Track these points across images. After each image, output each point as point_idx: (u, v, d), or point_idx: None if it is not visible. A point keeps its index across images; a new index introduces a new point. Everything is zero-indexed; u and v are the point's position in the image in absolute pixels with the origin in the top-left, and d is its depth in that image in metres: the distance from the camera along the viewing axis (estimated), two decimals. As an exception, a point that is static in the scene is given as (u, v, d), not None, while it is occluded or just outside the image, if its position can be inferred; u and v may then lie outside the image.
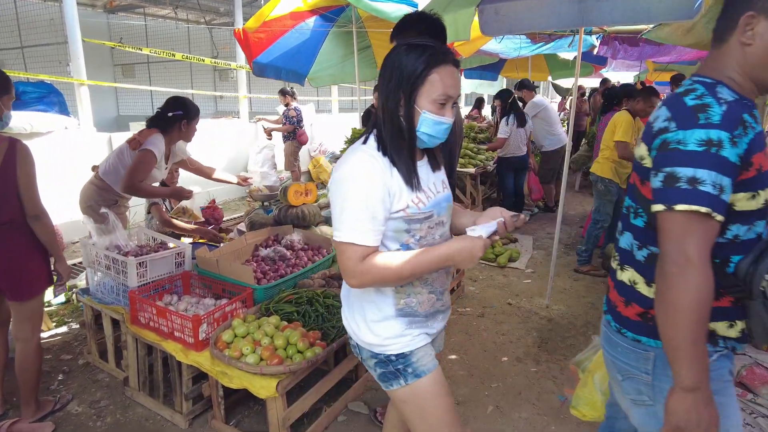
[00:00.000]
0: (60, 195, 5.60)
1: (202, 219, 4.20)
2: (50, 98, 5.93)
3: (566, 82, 13.67)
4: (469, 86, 11.43)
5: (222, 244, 3.36)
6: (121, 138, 6.33)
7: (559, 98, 16.85)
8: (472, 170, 5.08)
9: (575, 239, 5.98)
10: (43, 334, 3.61)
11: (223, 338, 2.36)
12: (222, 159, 7.80)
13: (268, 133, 8.15)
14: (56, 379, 3.05)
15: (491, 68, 9.46)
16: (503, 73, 10.01)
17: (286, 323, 2.47)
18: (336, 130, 9.91)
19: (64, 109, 6.05)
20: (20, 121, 5.34)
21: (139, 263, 2.75)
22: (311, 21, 6.08)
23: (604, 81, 9.50)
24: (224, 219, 5.92)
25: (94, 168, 3.38)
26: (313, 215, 3.57)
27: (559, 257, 5.28)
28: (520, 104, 8.96)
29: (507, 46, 5.30)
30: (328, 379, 2.56)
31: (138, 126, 7.64)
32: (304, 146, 8.45)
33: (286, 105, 8.07)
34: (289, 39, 6.14)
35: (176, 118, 3.27)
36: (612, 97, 5.53)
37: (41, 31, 7.96)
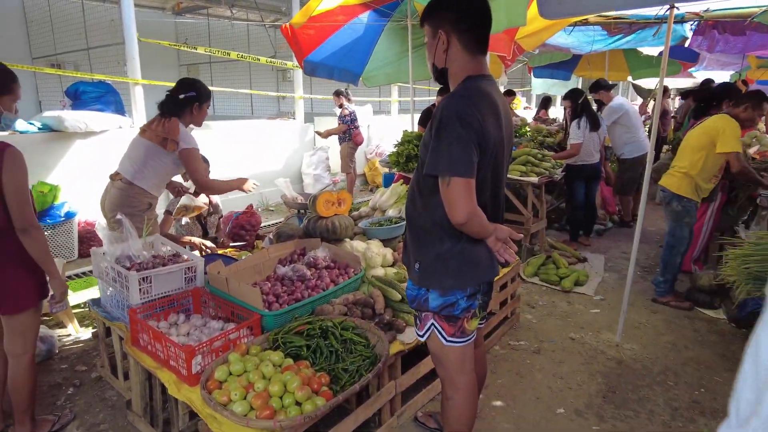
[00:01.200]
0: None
1: (204, 208, 3.87)
2: (107, 98, 5.98)
3: (648, 83, 12.44)
4: (540, 86, 10.66)
5: (244, 257, 3.06)
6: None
7: (640, 100, 15.55)
8: (535, 179, 4.49)
9: (655, 260, 5.21)
10: (66, 339, 3.50)
11: (216, 376, 2.02)
12: (275, 161, 7.65)
13: (325, 135, 7.91)
14: (65, 393, 2.87)
15: (563, 66, 8.72)
16: (577, 72, 9.23)
17: (291, 361, 2.10)
18: (394, 132, 9.52)
19: (120, 109, 6.10)
20: (75, 120, 5.39)
21: (143, 278, 2.48)
22: (365, 16, 5.73)
23: (707, 82, 8.42)
24: (266, 224, 5.71)
25: (116, 175, 3.18)
26: (344, 228, 3.19)
27: (634, 282, 4.58)
28: (597, 106, 8.21)
29: (579, 39, 4.66)
30: (346, 422, 2.18)
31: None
32: (360, 148, 8.15)
33: (340, 106, 7.80)
34: (342, 36, 5.82)
35: (188, 100, 3.02)
36: (709, 98, 4.74)
37: (104, 32, 8.23)
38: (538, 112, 10.10)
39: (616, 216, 6.45)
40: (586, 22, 3.98)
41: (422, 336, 1.98)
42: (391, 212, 3.94)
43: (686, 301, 4.03)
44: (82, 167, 5.45)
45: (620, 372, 3.11)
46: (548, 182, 5.02)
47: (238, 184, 3.28)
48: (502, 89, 9.20)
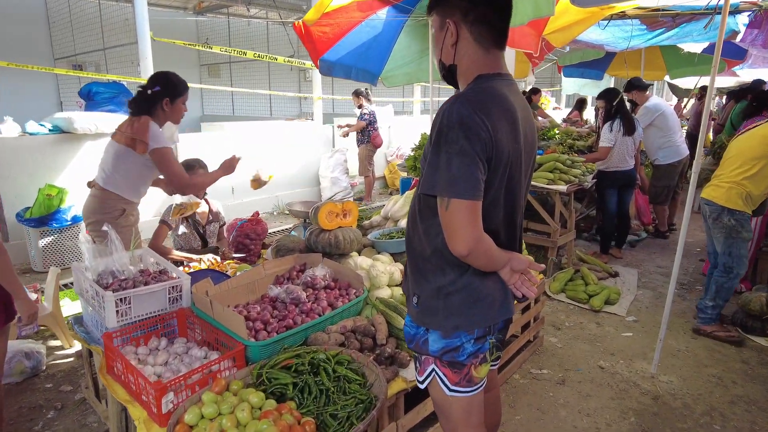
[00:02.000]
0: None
1: (198, 204, 3.58)
2: (120, 98, 5.86)
3: (686, 82, 11.75)
4: (572, 86, 10.15)
5: (238, 274, 2.81)
6: (186, 140, 6.14)
7: (675, 100, 14.83)
8: (563, 187, 4.12)
9: (694, 276, 4.78)
10: (58, 352, 3.32)
11: (186, 419, 1.77)
12: (293, 163, 7.43)
13: (346, 134, 7.66)
14: (45, 417, 2.67)
15: (595, 65, 8.26)
16: (610, 72, 8.73)
17: (273, 403, 1.83)
18: (416, 133, 9.21)
19: (133, 109, 5.97)
20: (86, 121, 5.27)
21: (120, 299, 2.25)
22: (383, 13, 5.44)
23: (761, 83, 7.82)
24: (278, 230, 5.47)
25: (92, 183, 2.99)
26: (349, 242, 2.91)
27: (672, 302, 4.17)
28: (631, 107, 7.73)
29: (614, 34, 4.26)
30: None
31: (209, 127, 7.52)
32: (379, 150, 7.87)
33: (359, 106, 7.55)
34: (360, 34, 5.55)
35: (156, 96, 2.78)
36: (765, 99, 4.29)
37: (120, 32, 8.17)
38: (570, 114, 9.63)
39: (651, 226, 6.00)
40: (623, 15, 3.60)
41: (422, 382, 1.68)
42: (404, 222, 3.64)
43: (734, 330, 3.58)
44: (91, 170, 5.31)
45: (656, 410, 2.75)
46: (577, 190, 4.64)
47: (223, 170, 3.06)
48: (528, 88, 8.83)
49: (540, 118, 7.07)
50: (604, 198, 4.94)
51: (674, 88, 14.41)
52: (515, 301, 1.64)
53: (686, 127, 9.13)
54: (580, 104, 9.48)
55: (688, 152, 5.64)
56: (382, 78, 6.40)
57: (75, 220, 4.89)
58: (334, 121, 8.92)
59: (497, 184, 1.42)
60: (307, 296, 2.46)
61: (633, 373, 3.11)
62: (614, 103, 4.67)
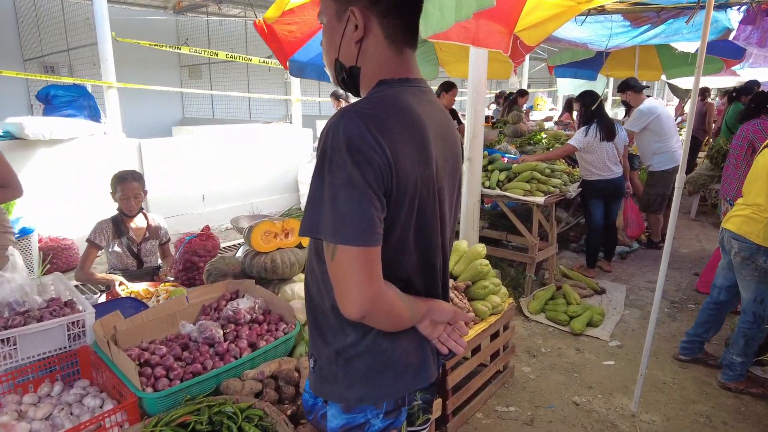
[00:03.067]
0: (80, 207, 5.18)
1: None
2: (80, 102, 5.56)
3: (685, 82, 11.38)
4: (567, 87, 9.76)
5: (153, 304, 2.49)
6: (152, 145, 5.83)
7: (676, 101, 14.48)
8: (541, 199, 3.78)
9: (687, 293, 4.43)
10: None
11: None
12: (270, 168, 7.10)
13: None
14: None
15: (588, 65, 7.89)
16: (604, 72, 8.36)
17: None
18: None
19: (95, 114, 5.66)
20: (39, 127, 4.95)
21: (3, 339, 1.93)
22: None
23: (755, 84, 7.47)
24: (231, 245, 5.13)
25: None
26: (289, 266, 2.58)
27: (661, 323, 3.84)
28: (625, 109, 7.37)
29: (596, 32, 3.92)
30: None
31: (180, 131, 7.21)
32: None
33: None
34: (332, 32, 5.23)
35: None
36: (762, 100, 3.97)
37: (82, 32, 7.87)
38: (561, 115, 9.29)
39: (644, 236, 5.66)
40: (602, 11, 3.27)
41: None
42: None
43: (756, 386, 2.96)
44: (44, 179, 5.02)
45: (635, 458, 2.41)
46: (560, 201, 4.31)
47: None
48: (512, 90, 8.48)
49: (528, 122, 6.73)
50: (589, 209, 4.59)
51: (674, 89, 14.02)
52: (444, 358, 1.32)
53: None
54: (570, 105, 9.13)
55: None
56: (361, 79, 6.11)
57: (24, 232, 4.58)
58: (317, 124, 8.61)
59: (403, 221, 1.08)
60: (227, 333, 2.14)
61: (611, 411, 2.77)
62: (591, 107, 4.33)
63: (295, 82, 7.70)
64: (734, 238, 2.77)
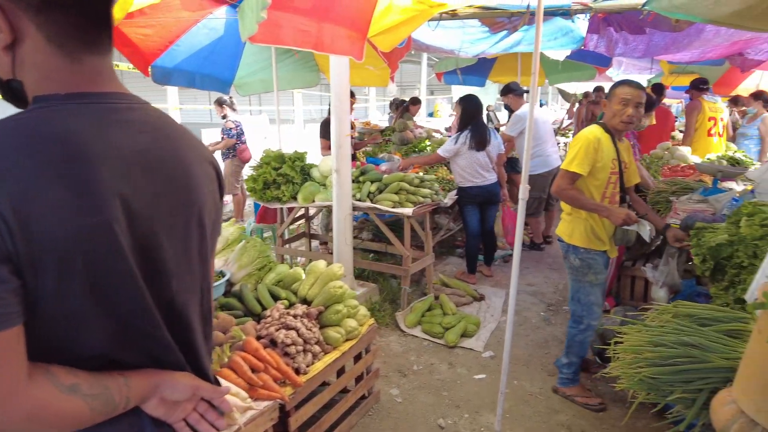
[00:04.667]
0: None
1: None
2: None
3: (572, 86, 12.08)
4: (462, 93, 9.97)
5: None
6: None
7: (567, 105, 15.37)
8: (409, 210, 3.67)
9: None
10: None
11: None
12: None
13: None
14: None
15: (476, 71, 8.06)
16: (492, 77, 8.59)
17: None
18: (300, 144, 8.58)
19: None
20: None
21: None
22: (222, 12, 4.75)
23: (598, 89, 7.99)
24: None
25: None
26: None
27: (536, 328, 3.86)
28: (507, 113, 7.57)
29: (458, 38, 3.89)
30: None
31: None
32: (248, 165, 7.15)
33: (223, 117, 6.80)
34: (198, 36, 4.82)
35: None
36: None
37: None
38: (453, 122, 9.43)
39: (526, 237, 5.79)
40: (454, 15, 3.21)
41: None
42: (215, 264, 3.00)
43: (593, 400, 2.86)
44: None
45: (493, 483, 2.30)
46: (435, 210, 4.24)
47: None
48: (401, 98, 8.46)
49: (417, 130, 6.71)
50: (465, 215, 4.57)
51: (563, 93, 14.90)
52: None
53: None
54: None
55: (559, 163, 5.48)
56: (236, 86, 5.72)
57: None
58: (202, 133, 8.08)
59: (58, 289, 0.79)
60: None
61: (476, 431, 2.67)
62: (468, 114, 4.32)
63: (173, 88, 7.15)
64: (558, 239, 2.93)
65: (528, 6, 2.88)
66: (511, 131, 5.23)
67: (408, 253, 3.77)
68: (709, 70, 7.15)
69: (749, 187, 3.39)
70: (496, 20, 3.36)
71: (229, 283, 2.93)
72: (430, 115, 14.61)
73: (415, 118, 8.23)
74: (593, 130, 2.64)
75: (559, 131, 10.96)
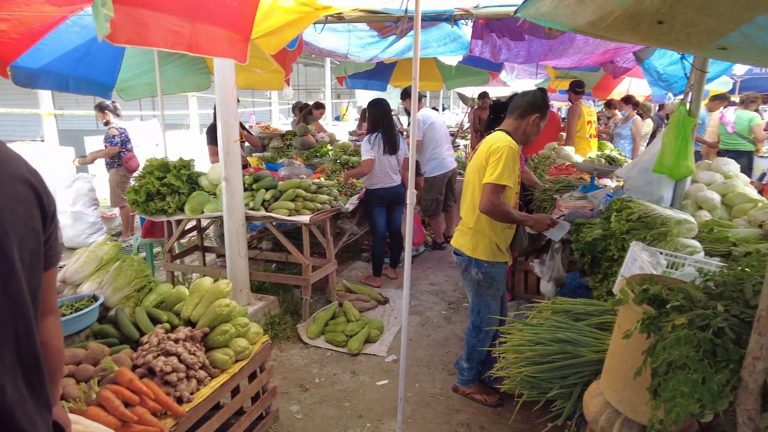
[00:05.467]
0: None
1: None
2: None
3: (470, 91, 12.60)
4: (368, 97, 9.97)
5: None
6: None
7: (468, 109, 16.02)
8: (306, 218, 3.56)
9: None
10: None
11: None
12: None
13: (89, 161, 6.32)
14: None
15: (377, 76, 8.10)
16: (393, 82, 8.68)
17: None
18: (196, 150, 8.12)
19: None
20: None
21: None
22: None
23: (483, 95, 8.41)
24: None
25: None
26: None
27: (436, 327, 3.92)
28: (405, 117, 7.72)
29: (350, 42, 3.86)
30: None
31: None
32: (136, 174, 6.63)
33: (106, 123, 6.24)
34: (68, 35, 4.34)
35: None
36: (500, 110, 4.29)
37: None
38: (358, 125, 9.44)
39: (429, 237, 5.91)
40: (341, 19, 3.17)
41: None
42: (87, 287, 2.70)
43: (494, 391, 2.91)
44: None
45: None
46: (337, 215, 4.17)
47: None
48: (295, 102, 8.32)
49: (320, 134, 6.60)
50: (373, 217, 4.57)
51: (462, 97, 15.53)
52: None
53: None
54: (365, 115, 9.35)
55: (455, 165, 5.66)
56: (118, 90, 5.28)
57: None
58: (85, 140, 7.39)
59: None
60: None
61: (377, 441, 2.62)
62: (377, 117, 4.35)
63: (46, 92, 6.45)
64: (454, 252, 2.86)
65: (406, 10, 2.89)
66: (416, 135, 5.32)
67: (307, 261, 3.66)
68: (588, 75, 7.76)
69: (621, 183, 3.67)
70: (384, 25, 3.36)
71: (105, 308, 2.66)
72: (337, 118, 14.56)
73: (321, 122, 8.13)
74: (508, 140, 2.58)
75: (459, 134, 11.37)
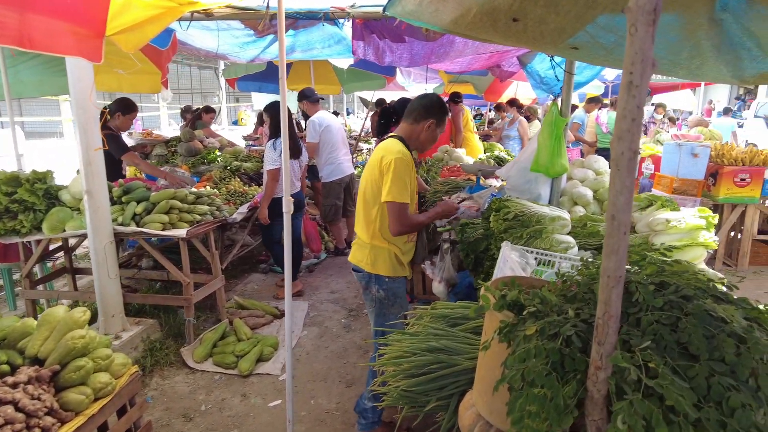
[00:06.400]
0: None
1: None
2: None
3: (369, 94, 12.64)
4: (264, 102, 9.60)
5: None
6: None
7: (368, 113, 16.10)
8: (183, 231, 3.27)
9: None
10: None
11: None
12: None
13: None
14: None
15: (270, 78, 7.84)
16: (289, 85, 8.45)
17: None
18: (71, 161, 7.32)
19: None
20: None
21: None
22: None
23: (380, 102, 8.50)
24: None
25: None
26: None
27: (336, 337, 3.79)
28: (303, 120, 7.53)
29: (227, 41, 3.63)
30: None
31: None
32: None
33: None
34: None
35: None
36: (389, 115, 4.28)
37: None
38: (255, 130, 9.06)
39: (331, 243, 5.78)
40: (210, 15, 2.94)
41: None
42: None
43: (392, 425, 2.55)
44: None
45: None
46: (222, 226, 3.90)
47: None
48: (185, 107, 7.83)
49: (208, 139, 6.21)
50: (271, 227, 4.33)
51: (364, 101, 15.59)
52: None
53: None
54: (262, 119, 9.02)
55: (352, 170, 5.56)
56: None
57: None
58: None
59: None
60: None
61: (267, 468, 2.44)
62: (278, 121, 4.12)
63: None
64: (353, 269, 2.57)
65: (267, 5, 2.74)
66: (313, 138, 5.17)
67: (188, 279, 3.36)
68: (479, 79, 8.06)
69: (503, 183, 3.79)
70: (257, 22, 3.17)
71: (-72, 353, 2.22)
72: (235, 123, 13.99)
73: (215, 126, 7.68)
74: (397, 150, 2.38)
75: (361, 138, 11.36)
